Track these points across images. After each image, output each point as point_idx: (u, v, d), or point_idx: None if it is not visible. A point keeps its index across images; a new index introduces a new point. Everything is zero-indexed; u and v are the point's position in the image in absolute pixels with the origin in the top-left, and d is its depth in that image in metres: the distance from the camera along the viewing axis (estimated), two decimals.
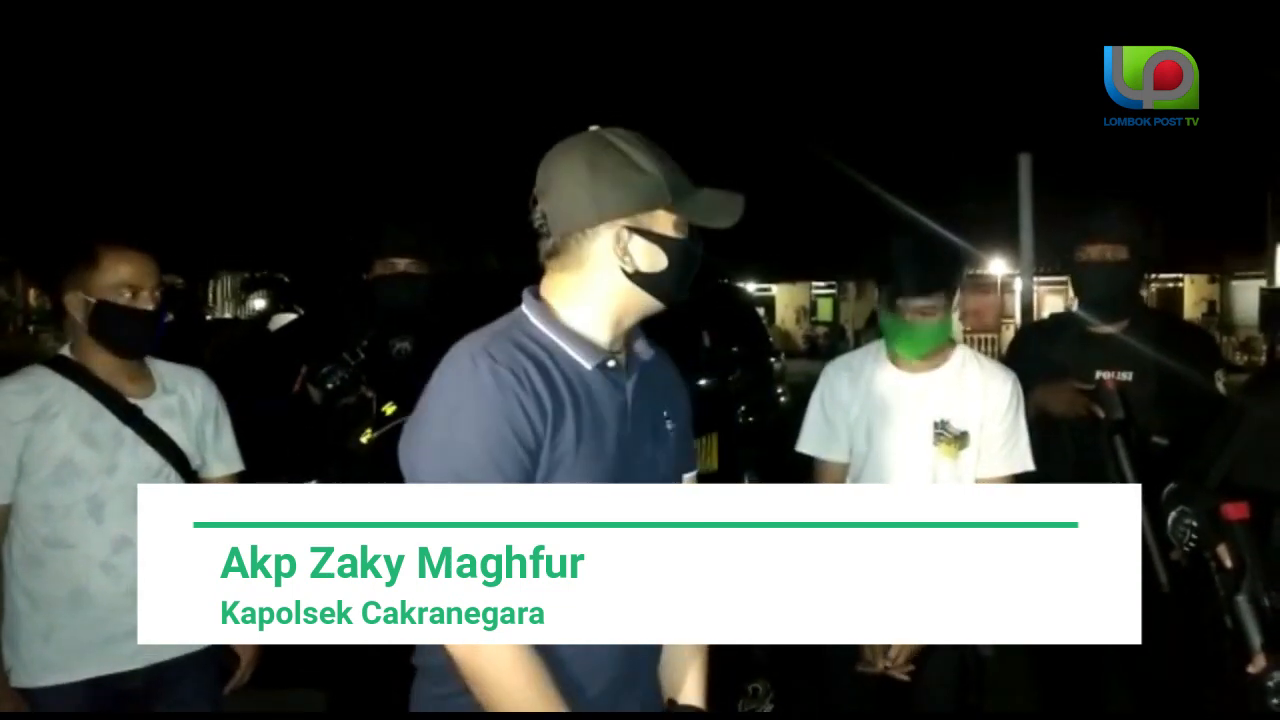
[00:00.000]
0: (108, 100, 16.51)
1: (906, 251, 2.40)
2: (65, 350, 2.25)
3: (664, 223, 1.49)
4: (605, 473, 1.45)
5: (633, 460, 1.50)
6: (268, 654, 2.61)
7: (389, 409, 2.81)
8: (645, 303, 1.52)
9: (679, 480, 1.64)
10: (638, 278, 1.49)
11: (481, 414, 1.39)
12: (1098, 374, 2.64)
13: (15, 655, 2.14)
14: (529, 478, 1.40)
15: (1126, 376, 2.65)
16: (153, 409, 2.26)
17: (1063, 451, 2.64)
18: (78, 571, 2.15)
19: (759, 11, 19.24)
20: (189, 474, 2.31)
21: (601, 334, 1.51)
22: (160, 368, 2.34)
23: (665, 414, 1.59)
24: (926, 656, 2.41)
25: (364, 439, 2.83)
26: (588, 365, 1.48)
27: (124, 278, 2.17)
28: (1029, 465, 2.44)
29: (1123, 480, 2.43)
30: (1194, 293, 25.89)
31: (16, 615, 2.15)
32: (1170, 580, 2.30)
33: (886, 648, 2.40)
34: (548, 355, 1.46)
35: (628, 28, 18.59)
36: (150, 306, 2.20)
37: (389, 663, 2.88)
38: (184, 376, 2.37)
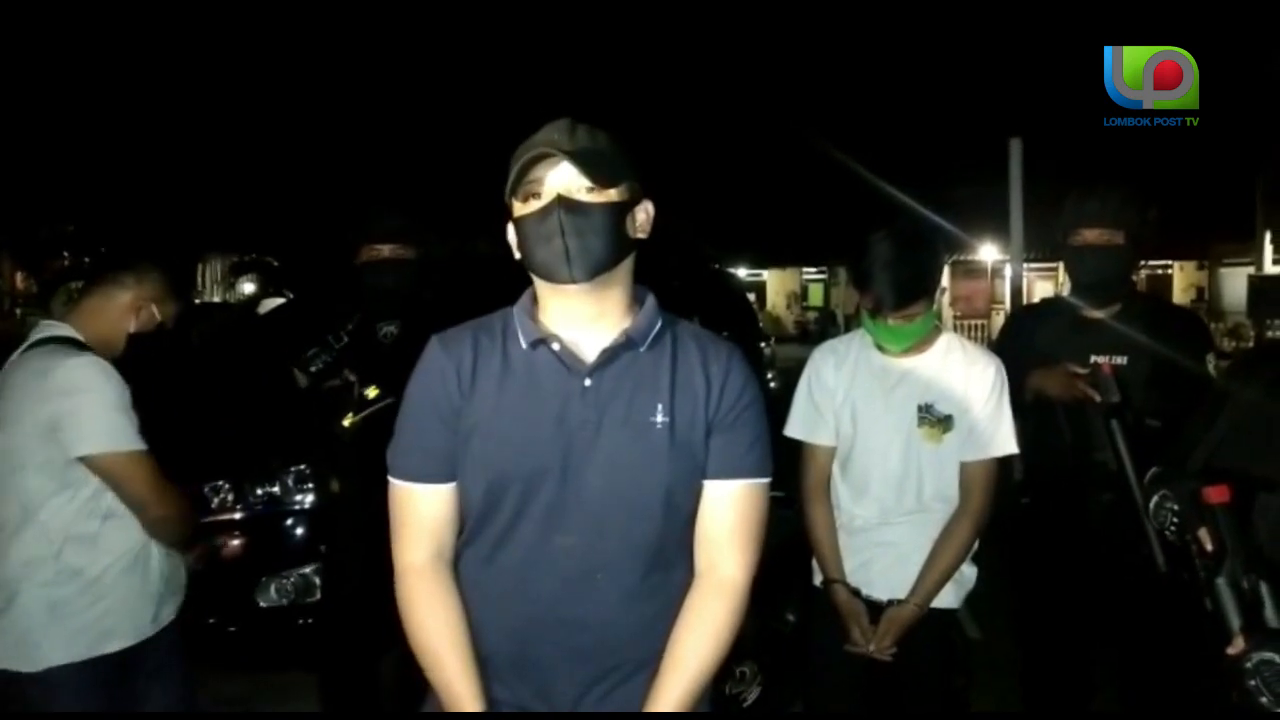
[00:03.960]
0: (96, 84, 16.37)
1: (883, 259, 2.37)
2: (69, 331, 2.27)
3: (516, 206, 1.56)
4: (525, 445, 1.52)
5: (576, 443, 1.52)
6: (258, 638, 2.63)
7: (371, 392, 2.82)
8: (544, 284, 1.57)
9: (675, 479, 1.55)
10: (521, 256, 1.58)
11: (415, 384, 1.61)
12: (1093, 358, 2.66)
13: (66, 628, 2.16)
14: (451, 435, 1.56)
15: (1120, 360, 2.66)
16: None
17: (1058, 435, 2.66)
18: (133, 538, 2.24)
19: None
20: None
21: (547, 317, 1.58)
22: None
23: (659, 406, 1.54)
24: (914, 639, 2.43)
25: (346, 422, 2.84)
26: (523, 344, 1.56)
27: (169, 315, 2.39)
28: (1013, 449, 2.46)
29: (1120, 464, 2.45)
30: (1183, 279, 25.94)
31: (67, 597, 2.17)
32: (1166, 560, 2.31)
33: (873, 628, 2.43)
34: (502, 335, 1.58)
35: (621, 14, 18.50)
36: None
37: (378, 645, 2.92)
38: None
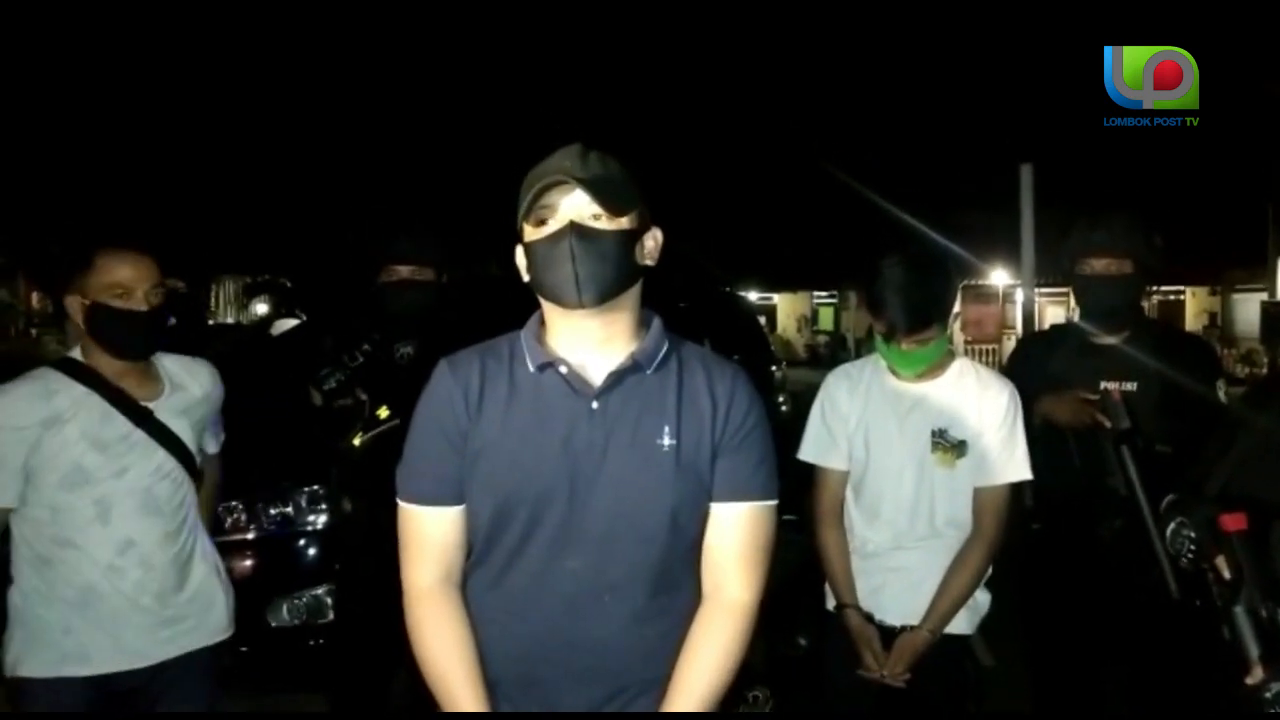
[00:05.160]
0: (111, 105, 16.55)
1: (896, 284, 2.36)
2: (75, 353, 2.26)
3: (527, 230, 1.58)
4: (532, 468, 1.53)
5: (582, 466, 1.53)
6: (269, 658, 2.62)
7: (382, 412, 2.83)
8: (552, 307, 1.58)
9: (681, 501, 1.55)
10: (531, 280, 1.59)
11: (423, 407, 1.62)
12: (1103, 384, 2.65)
13: (33, 644, 2.15)
14: (458, 458, 1.57)
15: (1130, 386, 2.66)
16: (163, 410, 2.27)
17: (1068, 461, 2.65)
18: (84, 571, 2.17)
19: (762, 24, 19.29)
20: (194, 471, 2.34)
21: (555, 341, 1.59)
22: (166, 364, 2.36)
23: (666, 429, 1.55)
24: (926, 665, 2.42)
25: (356, 441, 2.85)
26: (531, 367, 1.57)
27: (116, 279, 2.17)
28: (1026, 474, 2.45)
29: (1131, 490, 2.44)
30: (1195, 305, 25.85)
31: (33, 613, 2.16)
32: (1180, 588, 2.30)
33: (886, 654, 2.41)
34: (509, 358, 1.60)
35: (632, 40, 18.64)
36: (142, 307, 2.18)
37: (389, 664, 2.91)
38: (189, 369, 2.40)
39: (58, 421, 2.13)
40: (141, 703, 2.26)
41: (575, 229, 1.51)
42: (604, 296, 1.53)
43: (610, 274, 1.52)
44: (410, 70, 17.81)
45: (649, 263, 1.62)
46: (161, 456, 2.24)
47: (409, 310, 3.00)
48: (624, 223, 1.55)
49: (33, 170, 16.09)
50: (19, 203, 16.44)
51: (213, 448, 2.47)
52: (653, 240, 1.63)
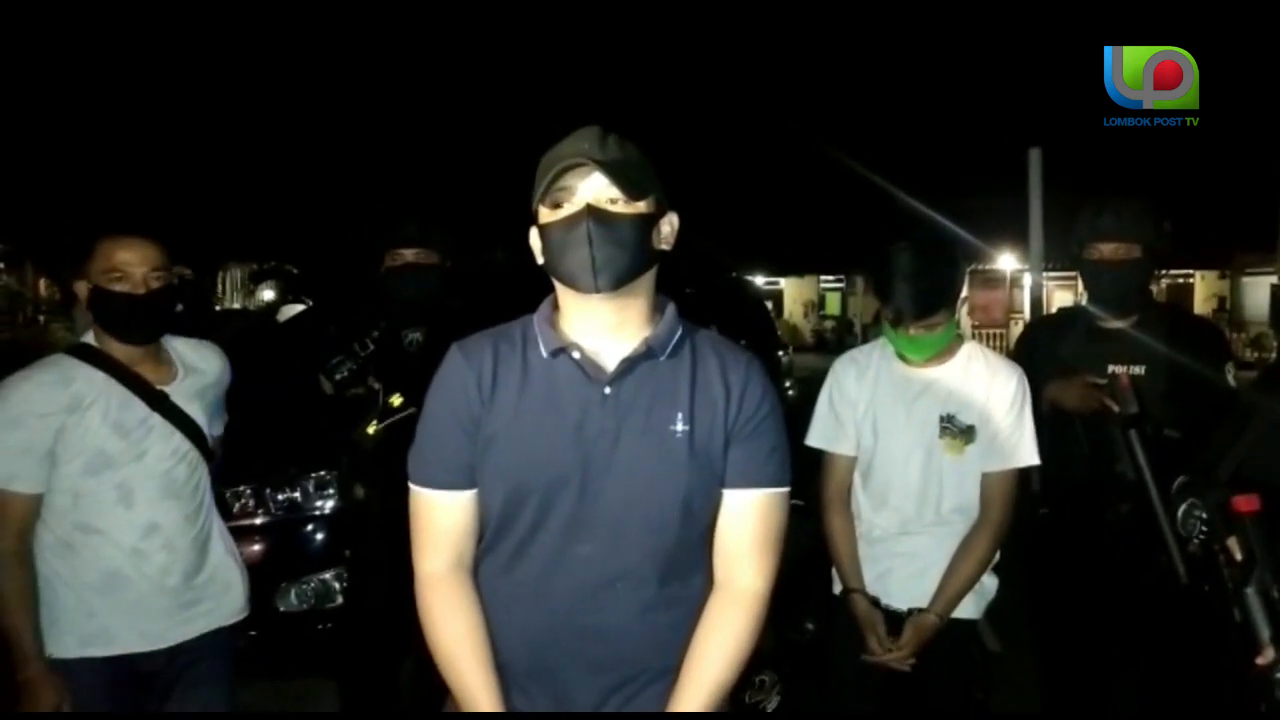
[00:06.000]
0: (116, 93, 16.55)
1: (905, 270, 2.35)
2: (88, 338, 2.27)
3: (543, 213, 1.56)
4: (545, 455, 1.52)
5: (595, 452, 1.52)
6: (277, 643, 2.63)
7: (395, 400, 2.82)
8: (566, 291, 1.56)
9: (693, 488, 1.54)
10: (545, 263, 1.57)
11: (435, 392, 1.60)
12: (1110, 368, 2.64)
13: (56, 628, 2.17)
14: (471, 444, 1.56)
15: (1138, 370, 2.65)
16: (178, 393, 2.29)
17: (1076, 446, 2.64)
18: (108, 556, 2.18)
19: (771, 8, 19.20)
20: (207, 453, 2.35)
21: (568, 326, 1.58)
22: (178, 347, 2.37)
23: (679, 415, 1.54)
24: (933, 649, 2.42)
25: (369, 430, 2.84)
26: (544, 352, 1.55)
27: (113, 263, 2.19)
28: (1034, 460, 2.44)
29: (1139, 475, 2.43)
30: (1205, 289, 25.75)
31: (55, 596, 2.18)
32: (1188, 572, 2.29)
33: (892, 639, 2.41)
34: (522, 343, 1.58)
35: (639, 24, 18.57)
36: (139, 290, 2.20)
37: (397, 651, 2.93)
38: (198, 352, 2.42)
39: (79, 407, 2.15)
40: (160, 685, 2.28)
41: (593, 212, 1.50)
42: (620, 281, 1.51)
43: (627, 259, 1.51)
44: (416, 58, 17.78)
45: (665, 247, 1.60)
46: (178, 440, 2.26)
47: (414, 295, 2.99)
48: (641, 207, 1.53)
49: (39, 158, 16.13)
50: (26, 190, 16.48)
51: (217, 429, 2.48)
52: (669, 225, 1.61)
